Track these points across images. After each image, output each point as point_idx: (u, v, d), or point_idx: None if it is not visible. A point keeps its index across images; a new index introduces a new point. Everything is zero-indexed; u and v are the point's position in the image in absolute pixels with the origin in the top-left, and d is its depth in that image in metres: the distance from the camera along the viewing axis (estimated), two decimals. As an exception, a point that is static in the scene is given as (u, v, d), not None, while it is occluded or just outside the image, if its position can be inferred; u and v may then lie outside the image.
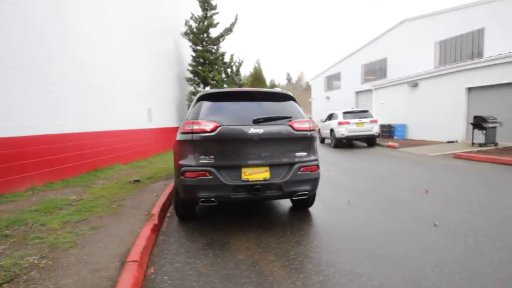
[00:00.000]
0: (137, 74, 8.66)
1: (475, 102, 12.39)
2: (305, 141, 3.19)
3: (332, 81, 28.81)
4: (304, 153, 3.18)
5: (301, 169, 3.09)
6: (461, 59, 16.15)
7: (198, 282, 2.19)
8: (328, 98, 28.33)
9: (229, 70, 13.10)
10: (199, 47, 12.15)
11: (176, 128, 12.01)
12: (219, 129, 2.93)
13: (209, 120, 2.98)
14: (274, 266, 2.42)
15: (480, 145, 10.65)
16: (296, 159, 3.12)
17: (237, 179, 2.93)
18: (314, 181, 3.18)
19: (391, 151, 11.06)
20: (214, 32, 12.35)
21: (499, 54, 11.29)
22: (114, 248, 2.70)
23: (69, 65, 5.84)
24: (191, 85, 12.13)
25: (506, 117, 10.63)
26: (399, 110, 16.56)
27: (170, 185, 5.18)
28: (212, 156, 2.94)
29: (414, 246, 2.74)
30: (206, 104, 3.21)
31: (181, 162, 3.03)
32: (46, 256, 2.49)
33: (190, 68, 11.95)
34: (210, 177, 2.89)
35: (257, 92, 3.38)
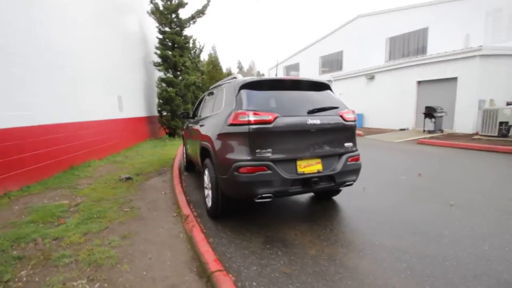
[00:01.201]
0: (104, 57, 7.53)
1: (423, 94, 14.06)
2: (351, 131, 3.19)
3: (291, 71, 29.53)
4: (351, 144, 3.18)
5: (349, 160, 3.10)
6: (408, 54, 18.08)
7: (294, 285, 2.04)
8: (287, 88, 29.01)
9: (190, 56, 12.32)
10: (167, 29, 11.10)
11: (146, 118, 10.96)
12: (277, 120, 2.72)
13: (266, 111, 2.74)
14: (351, 258, 2.40)
15: (430, 132, 12.19)
16: (344, 150, 3.11)
17: (293, 173, 2.79)
18: (359, 171, 3.23)
19: (360, 139, 11.94)
20: (183, 14, 11.38)
21: (439, 53, 12.94)
22: (171, 258, 2.35)
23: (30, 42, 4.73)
24: (160, 70, 11.09)
25: (448, 107, 12.35)
26: (356, 101, 17.86)
27: (176, 183, 4.72)
28: (269, 149, 2.73)
29: (452, 225, 2.99)
30: (249, 93, 2.94)
31: (231, 156, 2.74)
32: (95, 278, 2.03)
33: (158, 51, 10.88)
34: (270, 172, 2.69)
35: (299, 80, 3.22)
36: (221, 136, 2.90)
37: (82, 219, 3.12)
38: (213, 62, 37.02)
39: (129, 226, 2.99)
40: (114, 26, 8.59)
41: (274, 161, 2.73)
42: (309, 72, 25.74)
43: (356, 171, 3.18)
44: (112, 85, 7.93)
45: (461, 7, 15.09)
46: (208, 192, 3.44)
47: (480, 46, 11.46)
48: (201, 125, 3.78)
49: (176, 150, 8.85)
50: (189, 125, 5.04)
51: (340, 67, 23.29)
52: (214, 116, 3.35)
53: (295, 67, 28.62)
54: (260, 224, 3.15)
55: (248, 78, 3.06)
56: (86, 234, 2.74)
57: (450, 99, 12.64)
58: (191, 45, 11.83)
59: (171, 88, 10.76)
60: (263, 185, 2.69)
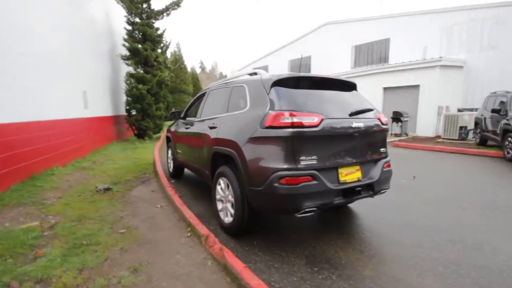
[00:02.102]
0: (69, 45, 6.41)
1: (389, 99, 14.98)
2: (385, 135, 2.99)
3: (259, 73, 29.48)
4: (385, 149, 2.97)
5: (385, 166, 2.88)
6: (372, 62, 19.23)
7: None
8: (256, 90, 28.86)
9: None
10: (137, 19, 10.02)
11: (112, 118, 9.74)
12: (323, 122, 2.37)
13: (310, 112, 2.36)
14: (412, 276, 2.14)
15: (396, 135, 12.98)
16: (379, 155, 2.89)
17: (335, 182, 2.46)
18: (391, 178, 3.03)
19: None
20: (155, 4, 10.41)
21: (404, 62, 13.95)
22: (212, 297, 1.84)
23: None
24: (128, 65, 9.95)
25: (411, 112, 13.30)
26: (327, 104, 18.35)
27: (172, 194, 4.08)
28: (314, 156, 2.35)
29: (479, 230, 2.95)
30: (284, 92, 2.54)
31: (270, 165, 2.30)
32: None
33: (127, 44, 9.76)
34: (315, 182, 2.31)
35: (331, 79, 2.91)
36: (253, 140, 2.44)
37: (68, 247, 2.39)
38: (178, 60, 35.46)
39: (136, 255, 2.37)
40: (79, 11, 7.43)
41: (319, 169, 2.37)
42: (278, 75, 25.91)
43: (390, 178, 2.97)
44: (76, 78, 6.80)
45: (419, 21, 16.47)
46: (224, 206, 2.94)
47: (441, 57, 12.55)
48: (210, 127, 3.25)
49: (151, 154, 7.96)
50: (184, 127, 4.43)
51: (308, 72, 23.89)
52: (234, 117, 2.86)
53: (264, 69, 28.63)
54: (290, 241, 2.76)
55: (283, 74, 2.66)
56: (81, 270, 2.06)
57: (413, 104, 13.64)
58: (163, 39, 10.83)
59: (142, 85, 9.72)
60: (308, 198, 2.31)
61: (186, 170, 5.48)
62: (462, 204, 3.77)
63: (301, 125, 2.29)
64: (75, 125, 6.43)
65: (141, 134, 10.72)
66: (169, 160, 5.61)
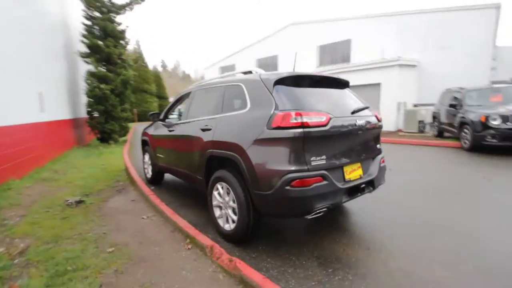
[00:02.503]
0: (22, 39, 5.60)
1: (354, 97, 15.78)
2: (380, 132, 3.07)
3: (227, 72, 29.13)
4: (379, 145, 3.05)
5: (381, 161, 2.96)
6: (336, 62, 20.10)
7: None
8: (223, 89, 28.41)
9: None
10: (97, 13, 9.15)
11: (72, 121, 8.80)
12: (331, 121, 2.32)
13: (317, 111, 2.29)
14: (423, 269, 2.20)
15: (363, 130, 13.75)
16: (376, 152, 2.96)
17: (341, 181, 2.44)
18: (385, 172, 3.12)
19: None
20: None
21: (367, 61, 14.83)
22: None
23: None
24: (88, 63, 9.05)
25: (374, 108, 14.17)
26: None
27: (158, 203, 3.77)
28: (323, 156, 2.30)
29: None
30: (287, 90, 2.44)
31: (279, 167, 2.19)
32: None
33: (86, 40, 8.86)
34: (326, 182, 2.26)
35: (328, 78, 2.88)
36: (260, 142, 2.31)
37: (49, 276, 2.04)
38: (138, 58, 33.67)
39: (135, 276, 2.10)
40: (31, 1, 6.54)
41: (327, 169, 2.33)
42: (246, 74, 25.81)
43: (384, 172, 3.06)
44: (31, 78, 5.97)
45: (377, 23, 17.58)
46: (223, 212, 2.77)
47: (399, 57, 13.52)
48: (203, 129, 3.04)
49: (120, 159, 7.36)
50: (165, 129, 4.12)
51: (275, 70, 24.19)
52: (233, 118, 2.69)
53: (231, 68, 28.35)
54: (295, 242, 2.69)
55: (283, 73, 2.56)
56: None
57: (375, 101, 14.52)
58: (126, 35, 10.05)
59: (104, 85, 8.92)
60: (320, 199, 2.26)
61: (166, 175, 5.14)
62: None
63: (310, 125, 2.22)
64: (31, 130, 5.65)
65: (105, 138, 9.89)
66: (145, 166, 5.21)
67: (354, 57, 18.70)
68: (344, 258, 2.38)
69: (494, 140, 6.41)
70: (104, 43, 9.12)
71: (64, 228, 3.00)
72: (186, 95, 4.01)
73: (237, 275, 2.03)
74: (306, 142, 2.22)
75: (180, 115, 4.75)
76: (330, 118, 2.33)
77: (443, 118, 9.16)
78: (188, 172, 3.47)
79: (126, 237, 2.83)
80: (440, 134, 9.70)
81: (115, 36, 9.54)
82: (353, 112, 2.64)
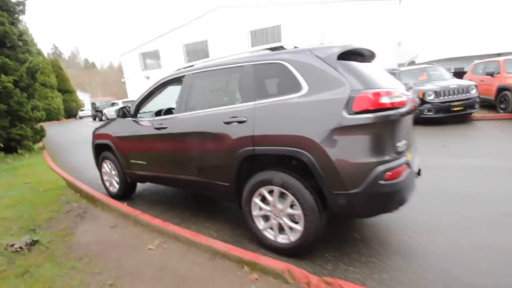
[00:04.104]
0: None
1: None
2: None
3: (150, 58, 26.17)
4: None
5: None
6: (268, 47, 20.37)
7: None
8: (148, 78, 25.57)
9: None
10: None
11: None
12: (409, 100, 2.05)
13: (388, 88, 1.96)
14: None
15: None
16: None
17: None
18: None
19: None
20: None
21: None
22: None
23: None
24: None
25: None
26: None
27: (169, 225, 2.91)
28: (404, 141, 2.03)
29: None
30: (350, 67, 2.03)
31: (369, 159, 1.82)
32: None
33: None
34: (409, 169, 2.02)
35: (371, 51, 2.54)
36: (340, 131, 1.86)
37: None
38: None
39: None
40: None
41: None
42: (173, 61, 23.75)
43: None
44: None
45: (305, 9, 18.40)
46: (273, 222, 2.27)
47: (330, 42, 14.48)
48: (229, 122, 2.37)
49: (49, 172, 5.65)
50: (146, 128, 3.18)
51: (206, 56, 22.96)
52: (285, 104, 2.10)
53: (155, 54, 25.57)
54: (357, 241, 2.42)
55: (337, 46, 2.13)
56: None
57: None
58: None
59: (4, 76, 6.56)
60: (409, 189, 2.02)
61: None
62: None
63: (396, 106, 1.91)
64: None
65: (12, 147, 7.49)
66: (105, 177, 4.05)
67: (285, 41, 19.27)
68: (384, 254, 2.24)
69: (430, 113, 7.49)
70: (-7, 18, 6.63)
71: (35, 291, 1.95)
72: (174, 82, 3.14)
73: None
74: (395, 125, 1.92)
75: (168, 110, 3.78)
76: (408, 98, 2.07)
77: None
78: (199, 179, 2.75)
79: (152, 284, 2.01)
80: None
81: (9, 10, 7.06)
82: (408, 89, 2.45)
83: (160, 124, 3.02)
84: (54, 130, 15.95)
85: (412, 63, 16.10)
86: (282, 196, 2.19)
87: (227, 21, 21.29)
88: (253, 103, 2.30)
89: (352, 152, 1.86)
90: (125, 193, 3.88)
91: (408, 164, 2.02)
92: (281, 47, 2.46)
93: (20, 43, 7.28)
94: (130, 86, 27.80)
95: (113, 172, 3.85)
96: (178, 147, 2.86)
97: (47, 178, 5.23)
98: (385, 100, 1.85)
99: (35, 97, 7.90)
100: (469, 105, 7.40)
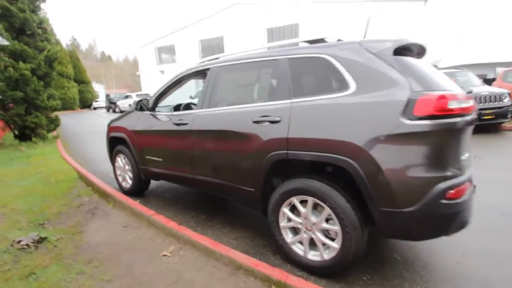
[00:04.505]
0: None
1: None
2: None
3: (165, 53, 26.24)
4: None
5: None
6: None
7: None
8: (163, 72, 25.63)
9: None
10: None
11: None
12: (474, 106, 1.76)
13: (452, 91, 1.67)
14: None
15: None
16: None
17: None
18: None
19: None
20: None
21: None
22: None
23: None
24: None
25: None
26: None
27: (185, 229, 2.70)
28: (466, 154, 1.74)
29: None
30: (405, 63, 1.75)
31: (429, 173, 1.54)
32: None
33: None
34: (473, 187, 1.74)
35: (422, 46, 2.23)
36: (395, 138, 1.59)
37: None
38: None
39: None
40: None
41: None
42: (189, 56, 23.69)
43: None
44: None
45: (324, 8, 17.95)
46: (304, 237, 2.01)
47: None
48: (260, 122, 2.12)
49: (62, 163, 5.55)
50: (168, 122, 2.97)
51: (222, 53, 22.83)
52: (328, 104, 1.83)
53: (170, 49, 25.59)
54: (396, 263, 2.13)
55: (402, 39, 1.85)
56: None
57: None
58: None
59: (22, 63, 6.52)
60: (470, 208, 1.73)
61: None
62: None
63: (463, 112, 1.62)
64: None
65: (27, 135, 7.48)
66: (119, 172, 3.88)
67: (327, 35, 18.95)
68: (428, 269, 1.94)
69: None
70: (16, 5, 6.59)
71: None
72: (197, 75, 2.92)
73: None
74: (461, 135, 1.63)
75: (187, 105, 3.58)
76: (474, 103, 1.78)
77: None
78: (220, 181, 2.51)
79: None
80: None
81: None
82: (468, 93, 2.14)
83: (180, 119, 2.80)
84: (69, 120, 16.12)
85: (434, 67, 15.46)
86: (315, 207, 1.93)
87: (244, 18, 21.04)
88: (288, 101, 2.04)
89: (409, 164, 1.58)
90: (138, 190, 3.70)
91: (471, 181, 1.73)
92: (322, 40, 2.19)
93: (40, 31, 7.25)
94: (145, 80, 27.96)
95: (127, 167, 3.67)
96: (199, 146, 2.64)
97: (59, 169, 5.12)
98: (453, 105, 1.56)
99: (51, 86, 7.87)
100: (501, 114, 6.91)
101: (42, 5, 7.88)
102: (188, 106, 3.66)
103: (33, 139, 7.59)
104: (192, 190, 3.88)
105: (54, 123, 8.07)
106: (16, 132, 7.38)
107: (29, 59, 6.78)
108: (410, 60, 1.78)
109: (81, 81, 30.46)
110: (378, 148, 1.63)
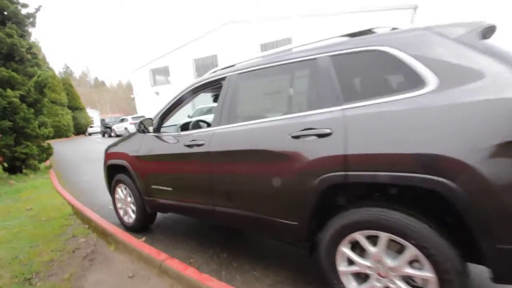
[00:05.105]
0: None
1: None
2: None
3: (159, 74, 26.18)
4: None
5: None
6: (279, 60, 20.07)
7: None
8: (157, 93, 25.40)
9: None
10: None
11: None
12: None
13: None
14: None
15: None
16: None
17: None
18: None
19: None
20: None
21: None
22: None
23: None
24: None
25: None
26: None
27: (208, 279, 2.17)
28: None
29: None
30: (493, 49, 1.34)
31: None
32: None
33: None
34: None
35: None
36: (507, 151, 1.14)
37: None
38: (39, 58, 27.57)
39: None
40: None
41: None
42: (183, 76, 23.59)
43: None
44: None
45: (316, 22, 18.10)
46: (376, 286, 1.50)
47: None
48: (300, 136, 1.67)
49: (55, 196, 4.99)
50: (177, 144, 2.50)
51: (216, 71, 22.79)
52: (400, 109, 1.38)
53: (164, 70, 25.55)
54: None
55: (481, 22, 1.44)
56: None
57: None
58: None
59: (10, 90, 6.08)
60: None
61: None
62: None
63: None
64: None
65: (17, 167, 6.92)
66: (119, 205, 3.35)
67: (376, 25, 19.10)
68: None
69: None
70: (3, 31, 6.23)
71: None
72: (209, 86, 2.49)
73: None
74: None
75: (196, 123, 3.13)
76: None
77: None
78: (251, 214, 2.01)
79: None
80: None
81: (19, 22, 6.69)
82: None
83: (193, 140, 2.33)
84: (63, 147, 15.54)
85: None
86: (394, 247, 1.44)
87: (236, 35, 21.15)
88: (338, 108, 1.60)
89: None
90: (143, 225, 3.17)
91: None
92: (369, 31, 1.78)
93: (29, 56, 6.87)
94: (140, 102, 27.68)
95: (129, 199, 3.15)
96: (219, 170, 2.15)
97: (52, 204, 4.56)
98: None
99: (43, 113, 7.41)
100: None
101: (34, 32, 7.59)
102: (197, 124, 3.22)
103: (24, 170, 7.03)
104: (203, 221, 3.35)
105: (47, 152, 7.53)
106: (5, 165, 6.82)
107: (17, 85, 6.35)
108: (489, 45, 1.36)
109: (75, 107, 30.14)
110: (487, 163, 1.17)
